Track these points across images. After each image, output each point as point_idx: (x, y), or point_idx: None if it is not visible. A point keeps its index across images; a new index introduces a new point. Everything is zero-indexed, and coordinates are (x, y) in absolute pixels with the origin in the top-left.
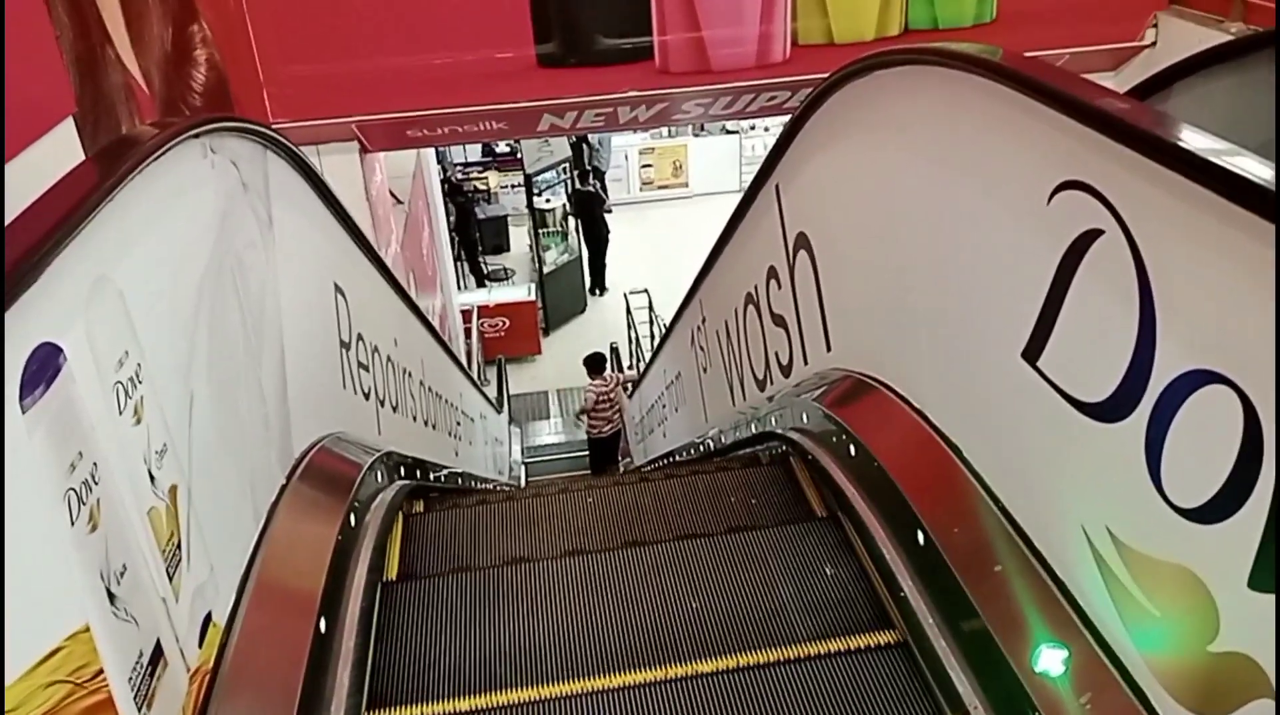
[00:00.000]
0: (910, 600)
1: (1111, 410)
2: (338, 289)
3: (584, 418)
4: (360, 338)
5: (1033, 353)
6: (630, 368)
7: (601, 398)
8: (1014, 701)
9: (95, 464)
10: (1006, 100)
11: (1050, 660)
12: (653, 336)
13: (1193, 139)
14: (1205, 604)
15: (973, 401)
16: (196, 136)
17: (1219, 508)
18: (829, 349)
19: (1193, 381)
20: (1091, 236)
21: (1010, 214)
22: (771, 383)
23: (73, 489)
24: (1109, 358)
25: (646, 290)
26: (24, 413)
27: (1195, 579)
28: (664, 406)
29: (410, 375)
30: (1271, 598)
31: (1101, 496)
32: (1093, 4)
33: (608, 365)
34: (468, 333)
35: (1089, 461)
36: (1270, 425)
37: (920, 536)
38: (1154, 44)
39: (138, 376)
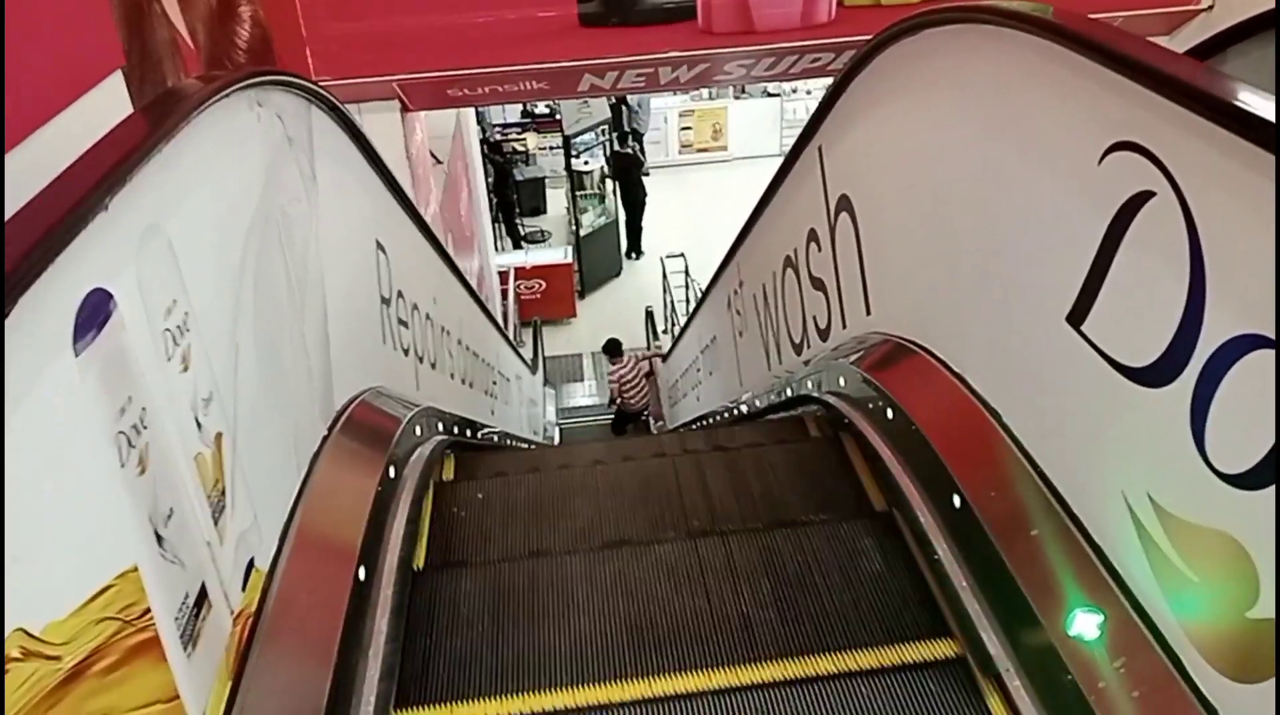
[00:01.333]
0: (945, 564)
1: (1157, 375)
2: (379, 246)
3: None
4: (400, 294)
5: (1078, 317)
6: (665, 332)
7: (624, 382)
8: (1048, 665)
9: (144, 409)
10: (1059, 59)
11: (1085, 624)
12: (688, 301)
13: (1250, 99)
14: (1246, 570)
15: (1015, 366)
16: (243, 90)
17: (1264, 473)
18: (869, 313)
19: (1242, 346)
20: (1142, 198)
21: (1059, 176)
22: (809, 347)
23: (122, 432)
24: (1156, 322)
25: (683, 254)
26: (77, 356)
27: (1236, 545)
28: (698, 370)
29: (448, 333)
30: None
31: (1143, 462)
32: None
33: (624, 348)
34: (504, 294)
35: (1131, 426)
36: None
37: (956, 500)
38: (1211, 7)
39: (185, 325)
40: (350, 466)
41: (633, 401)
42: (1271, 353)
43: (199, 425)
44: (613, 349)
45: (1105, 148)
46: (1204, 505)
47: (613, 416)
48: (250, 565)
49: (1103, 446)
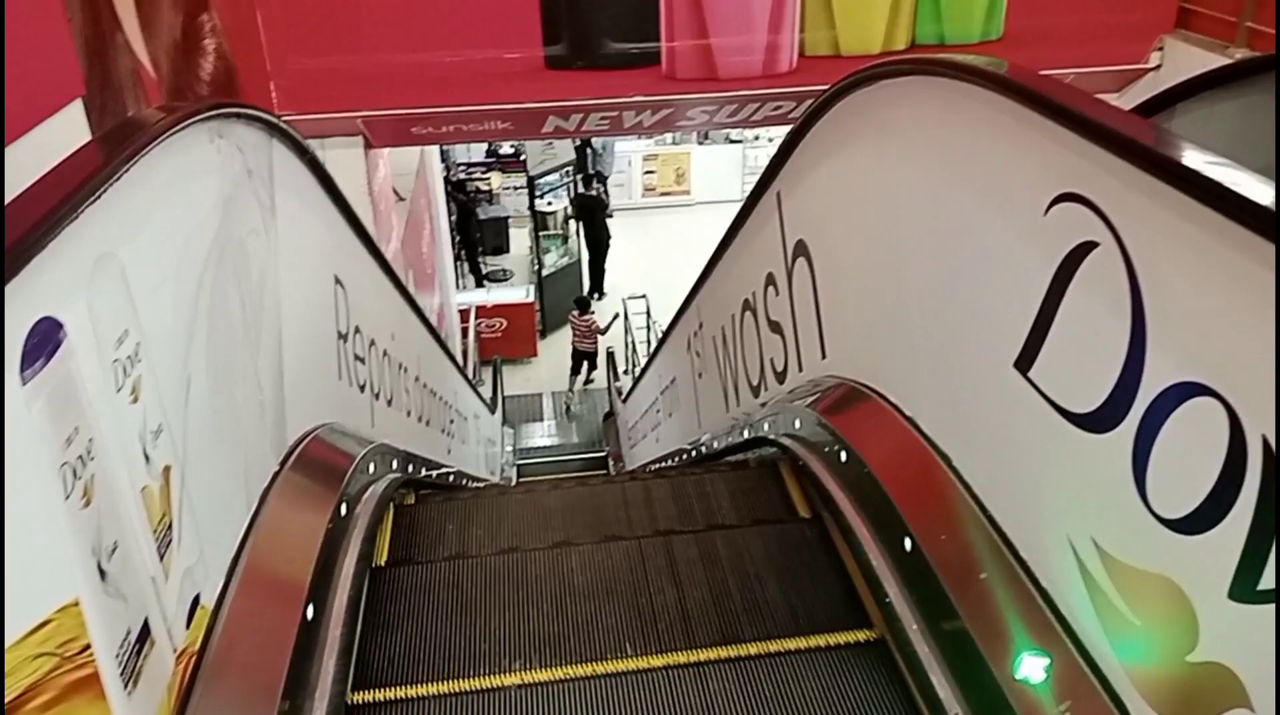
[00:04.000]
0: (895, 605)
1: (1100, 421)
2: (337, 281)
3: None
4: (358, 330)
5: (1025, 363)
6: (626, 372)
7: (578, 328)
8: (995, 708)
9: (91, 440)
10: (1008, 112)
11: (1031, 668)
12: (649, 342)
13: (1190, 155)
14: (1185, 614)
15: (964, 410)
16: (204, 121)
17: (1202, 519)
18: (824, 356)
19: (1181, 393)
20: (1086, 248)
21: (1007, 225)
22: (766, 389)
23: (68, 463)
24: (1099, 369)
25: (645, 296)
26: (23, 385)
27: (1176, 589)
28: (658, 411)
29: (406, 371)
30: (1249, 609)
31: (1087, 506)
32: (1099, 25)
33: (591, 307)
34: (465, 332)
35: (1076, 471)
36: (1256, 437)
37: (907, 543)
38: (1159, 67)
39: (136, 355)
40: (301, 503)
41: (579, 344)
42: (1209, 400)
43: (147, 458)
44: (582, 305)
45: (1051, 198)
46: (1146, 549)
47: (579, 456)
48: (195, 602)
49: (1049, 490)
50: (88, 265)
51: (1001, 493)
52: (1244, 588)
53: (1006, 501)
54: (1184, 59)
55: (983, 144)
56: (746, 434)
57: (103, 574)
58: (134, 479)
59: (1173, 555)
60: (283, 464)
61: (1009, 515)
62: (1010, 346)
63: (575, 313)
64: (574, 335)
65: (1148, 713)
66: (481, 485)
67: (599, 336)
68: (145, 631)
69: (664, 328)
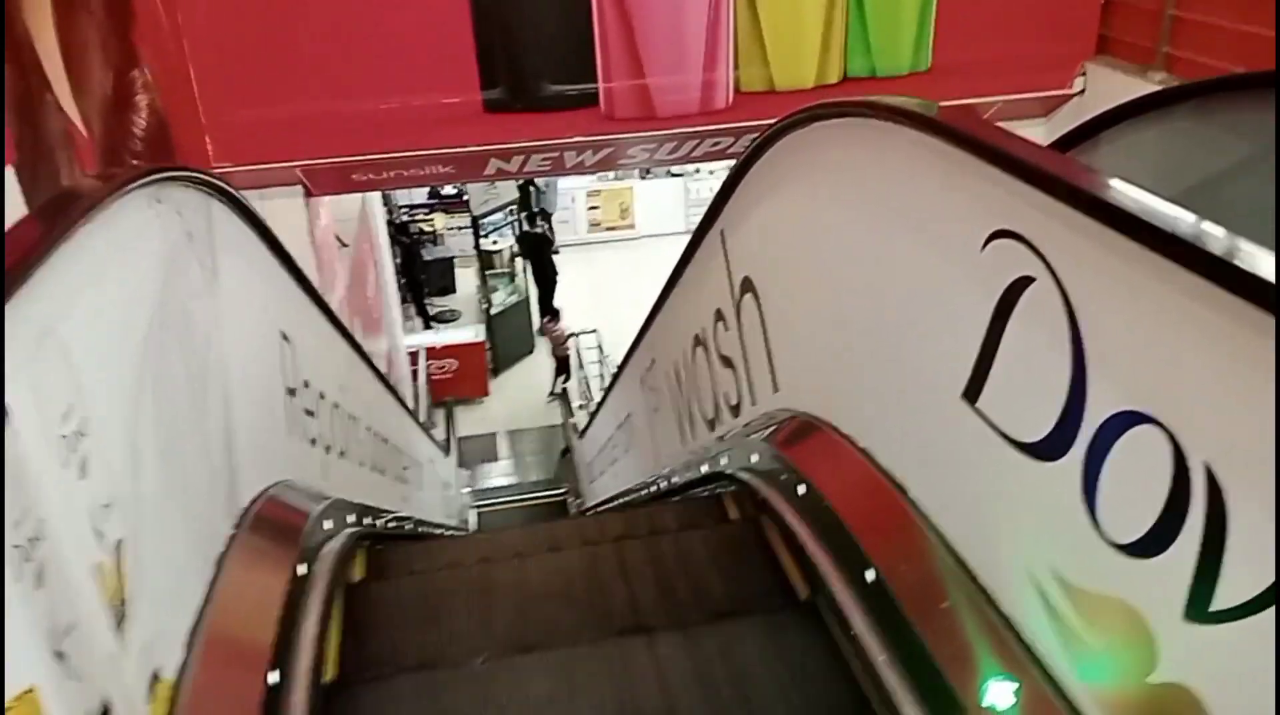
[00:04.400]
0: (861, 638)
1: (1048, 449)
2: (284, 336)
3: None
4: (306, 384)
5: (972, 393)
6: (580, 407)
7: (551, 334)
8: None
9: (41, 520)
10: (940, 153)
11: (997, 694)
12: (602, 377)
13: (1114, 190)
14: (1143, 636)
15: (917, 442)
16: (142, 187)
17: (1153, 542)
18: (776, 389)
19: (1124, 422)
20: (1024, 283)
21: (947, 261)
22: (721, 423)
23: (19, 546)
24: (1044, 399)
25: (595, 330)
26: None
27: (1133, 612)
28: (614, 447)
29: (356, 421)
30: (1205, 629)
31: (1041, 532)
32: (1024, 54)
33: (561, 317)
34: (414, 375)
35: (1029, 498)
36: (1198, 462)
37: (869, 575)
38: (1083, 92)
39: (83, 429)
40: (258, 566)
41: (556, 351)
42: (1151, 427)
43: (98, 533)
44: (555, 315)
45: (987, 235)
46: (1100, 574)
47: (538, 494)
48: (155, 676)
49: (1004, 517)
50: (29, 343)
51: (957, 520)
52: (1198, 609)
53: (963, 530)
54: (1105, 84)
55: (916, 182)
56: (705, 469)
57: (59, 656)
58: (86, 556)
59: (1127, 579)
60: (237, 527)
61: (966, 543)
62: (957, 377)
63: (547, 320)
64: (552, 343)
65: None
66: (438, 532)
67: (570, 340)
68: (105, 712)
69: (616, 362)
